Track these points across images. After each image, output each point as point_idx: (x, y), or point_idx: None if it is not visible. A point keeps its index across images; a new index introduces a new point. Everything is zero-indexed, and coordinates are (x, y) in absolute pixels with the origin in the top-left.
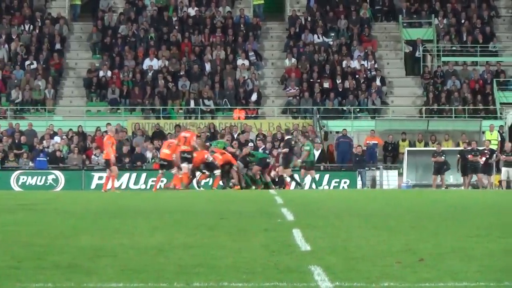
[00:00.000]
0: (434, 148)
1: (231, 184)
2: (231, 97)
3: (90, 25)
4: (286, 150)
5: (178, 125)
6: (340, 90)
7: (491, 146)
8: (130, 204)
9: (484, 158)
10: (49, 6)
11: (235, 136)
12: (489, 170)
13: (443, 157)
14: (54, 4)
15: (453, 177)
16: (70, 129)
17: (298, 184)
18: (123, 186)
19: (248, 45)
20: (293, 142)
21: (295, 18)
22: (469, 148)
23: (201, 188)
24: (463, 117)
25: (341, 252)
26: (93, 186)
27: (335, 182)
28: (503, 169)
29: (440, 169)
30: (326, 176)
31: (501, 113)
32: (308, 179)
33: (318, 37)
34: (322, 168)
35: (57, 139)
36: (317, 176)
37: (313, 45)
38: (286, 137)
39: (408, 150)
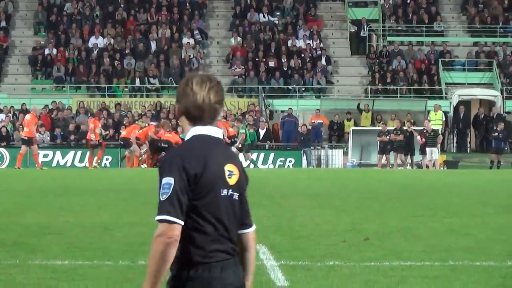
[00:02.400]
0: (379, 128)
1: None
2: (177, 76)
3: (35, 2)
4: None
5: (119, 104)
6: (286, 69)
7: (435, 126)
8: (76, 182)
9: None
10: None
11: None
12: (411, 150)
13: (388, 137)
14: None
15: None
16: (12, 106)
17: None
18: (68, 164)
19: (194, 24)
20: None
21: None
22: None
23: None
24: (409, 97)
25: (286, 231)
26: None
27: (280, 161)
28: (427, 149)
29: (385, 148)
30: (271, 155)
31: (446, 93)
32: (246, 163)
33: (264, 16)
34: (267, 147)
35: (1, 116)
36: (262, 155)
37: (259, 24)
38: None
39: (353, 130)
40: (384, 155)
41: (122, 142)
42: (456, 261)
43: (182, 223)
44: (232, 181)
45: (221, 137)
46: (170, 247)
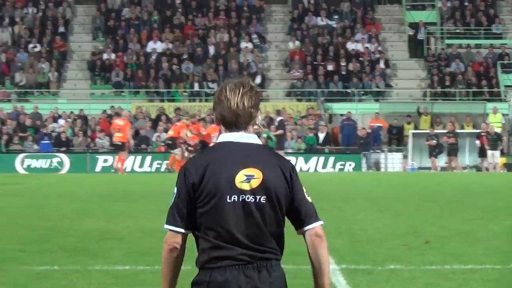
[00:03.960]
0: (443, 131)
1: None
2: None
3: (94, 8)
4: (281, 131)
5: (178, 108)
6: (344, 73)
7: (496, 129)
8: (136, 187)
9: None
10: None
11: None
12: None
13: (434, 141)
14: None
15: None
16: (71, 112)
17: None
18: (128, 169)
19: (252, 28)
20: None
21: (298, 1)
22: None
23: None
24: (467, 100)
25: (346, 235)
26: (98, 169)
27: (340, 165)
28: (489, 152)
29: (432, 152)
30: (331, 159)
31: (505, 96)
32: None
33: (322, 20)
34: (327, 150)
35: (61, 122)
36: (321, 159)
37: (317, 27)
38: (278, 118)
39: (412, 133)
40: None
41: (170, 142)
42: None
43: (182, 230)
44: (250, 185)
45: (254, 141)
46: (170, 253)
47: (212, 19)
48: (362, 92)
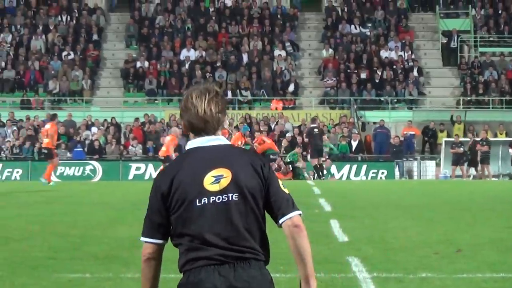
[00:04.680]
0: (476, 139)
1: None
2: (269, 88)
3: (127, 15)
4: (306, 139)
5: None
6: (377, 80)
7: None
8: None
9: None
10: None
11: (272, 126)
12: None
13: (461, 148)
14: None
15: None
16: (105, 120)
17: (318, 175)
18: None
19: (285, 36)
20: (316, 131)
21: (332, 9)
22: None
23: None
24: (501, 108)
25: (378, 243)
26: (130, 176)
27: (373, 173)
28: None
29: (459, 160)
30: (364, 167)
31: None
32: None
33: (355, 28)
34: (359, 158)
35: (94, 129)
36: (354, 167)
37: (350, 35)
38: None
39: (445, 141)
40: (459, 167)
41: None
42: None
43: (156, 241)
44: (220, 185)
45: (222, 142)
46: (146, 263)
47: (245, 27)
48: (395, 100)
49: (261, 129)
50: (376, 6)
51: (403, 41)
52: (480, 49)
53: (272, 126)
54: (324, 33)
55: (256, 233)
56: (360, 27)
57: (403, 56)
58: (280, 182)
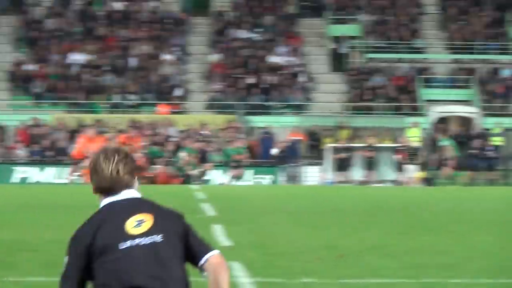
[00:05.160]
0: (359, 145)
1: None
2: (157, 92)
3: (16, 18)
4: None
5: (99, 120)
6: (265, 86)
7: (413, 143)
8: (53, 198)
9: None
10: None
11: (158, 131)
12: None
13: (346, 154)
14: None
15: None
16: None
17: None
18: (46, 180)
19: (174, 40)
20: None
21: (221, 14)
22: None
23: None
24: (388, 114)
25: (261, 248)
26: (15, 179)
27: (258, 178)
28: (406, 166)
29: (344, 165)
30: (250, 172)
31: (425, 110)
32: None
33: (244, 33)
34: (245, 163)
35: None
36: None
37: (239, 40)
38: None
39: (330, 146)
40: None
41: None
42: (431, 279)
43: None
44: (142, 228)
45: (136, 195)
46: None
47: (134, 31)
48: (282, 106)
49: (146, 133)
50: (265, 11)
51: (292, 46)
52: (368, 55)
53: (158, 131)
54: (213, 38)
55: (182, 275)
56: (249, 32)
57: (291, 61)
58: (192, 228)
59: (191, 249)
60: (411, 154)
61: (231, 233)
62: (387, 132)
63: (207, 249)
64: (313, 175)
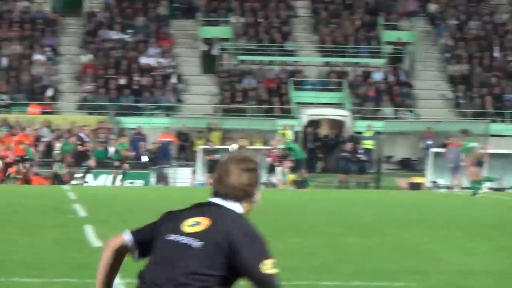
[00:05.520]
0: (229, 147)
1: None
2: (27, 92)
3: None
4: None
5: None
6: (136, 87)
7: (285, 146)
8: None
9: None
10: None
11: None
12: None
13: (217, 155)
14: None
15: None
16: None
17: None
18: None
19: (45, 40)
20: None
21: (92, 14)
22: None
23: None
24: (259, 116)
25: None
26: None
27: (130, 179)
28: (277, 168)
29: (215, 167)
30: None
31: (296, 113)
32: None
33: (116, 34)
34: (116, 164)
35: None
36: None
37: (111, 41)
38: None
39: (201, 148)
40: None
41: None
42: (301, 281)
43: (127, 236)
44: (193, 229)
45: (222, 203)
46: (104, 250)
47: (6, 31)
48: (153, 107)
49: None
50: (137, 12)
51: (163, 47)
52: (240, 57)
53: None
54: (84, 39)
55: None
56: (121, 33)
57: (163, 63)
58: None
59: (201, 263)
60: (282, 156)
61: (101, 234)
62: (258, 134)
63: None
64: (184, 176)
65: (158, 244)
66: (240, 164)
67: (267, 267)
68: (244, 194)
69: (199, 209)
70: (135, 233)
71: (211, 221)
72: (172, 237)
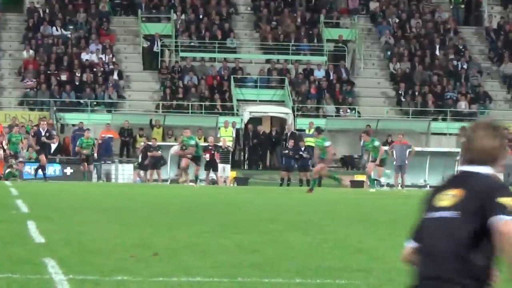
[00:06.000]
0: (171, 144)
1: None
2: None
3: None
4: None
5: None
6: (78, 83)
7: (228, 143)
8: None
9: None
10: None
11: None
12: (214, 166)
13: (159, 152)
14: None
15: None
16: None
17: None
18: None
19: None
20: None
21: (34, 10)
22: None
23: None
24: (200, 113)
25: (75, 245)
26: None
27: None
28: (220, 166)
29: (157, 163)
30: (58, 168)
31: (238, 110)
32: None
33: (57, 30)
34: (57, 160)
35: None
36: (57, 168)
37: (52, 37)
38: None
39: (143, 145)
40: (156, 170)
41: None
42: (244, 278)
43: (410, 244)
44: (444, 202)
45: (472, 170)
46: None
47: None
48: (94, 103)
49: None
50: (78, 8)
51: (104, 44)
52: (181, 54)
53: None
54: (25, 34)
55: (467, 258)
56: (62, 29)
57: (104, 59)
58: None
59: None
60: (224, 153)
61: (44, 230)
62: (200, 131)
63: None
64: (126, 173)
65: (422, 229)
66: (488, 129)
67: None
68: (492, 157)
69: (452, 181)
70: (413, 235)
71: (464, 190)
72: (429, 215)
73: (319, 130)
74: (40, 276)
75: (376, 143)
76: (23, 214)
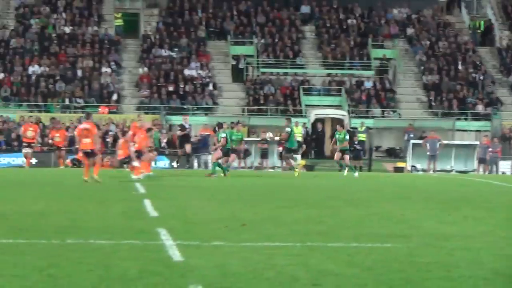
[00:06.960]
0: (255, 139)
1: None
2: (97, 97)
3: None
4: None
5: (53, 118)
6: (182, 92)
7: (298, 138)
8: (17, 178)
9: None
10: None
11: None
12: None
13: (246, 145)
14: None
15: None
16: None
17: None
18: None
19: (111, 57)
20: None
21: (147, 36)
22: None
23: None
24: (277, 115)
25: (181, 218)
26: None
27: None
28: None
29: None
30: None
31: (306, 113)
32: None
33: (165, 51)
34: (167, 153)
35: None
36: (165, 160)
37: (161, 57)
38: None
39: None
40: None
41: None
42: (313, 243)
43: None
44: None
45: None
46: None
47: (80, 49)
48: (195, 108)
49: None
50: (181, 35)
51: (202, 62)
52: (261, 70)
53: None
54: (141, 55)
55: None
56: (169, 51)
57: (201, 74)
58: None
59: None
60: (297, 146)
61: (157, 206)
62: (276, 129)
63: None
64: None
65: None
66: None
67: None
68: None
69: None
70: None
71: None
72: None
73: (341, 125)
74: (154, 242)
75: (347, 136)
76: (141, 194)
